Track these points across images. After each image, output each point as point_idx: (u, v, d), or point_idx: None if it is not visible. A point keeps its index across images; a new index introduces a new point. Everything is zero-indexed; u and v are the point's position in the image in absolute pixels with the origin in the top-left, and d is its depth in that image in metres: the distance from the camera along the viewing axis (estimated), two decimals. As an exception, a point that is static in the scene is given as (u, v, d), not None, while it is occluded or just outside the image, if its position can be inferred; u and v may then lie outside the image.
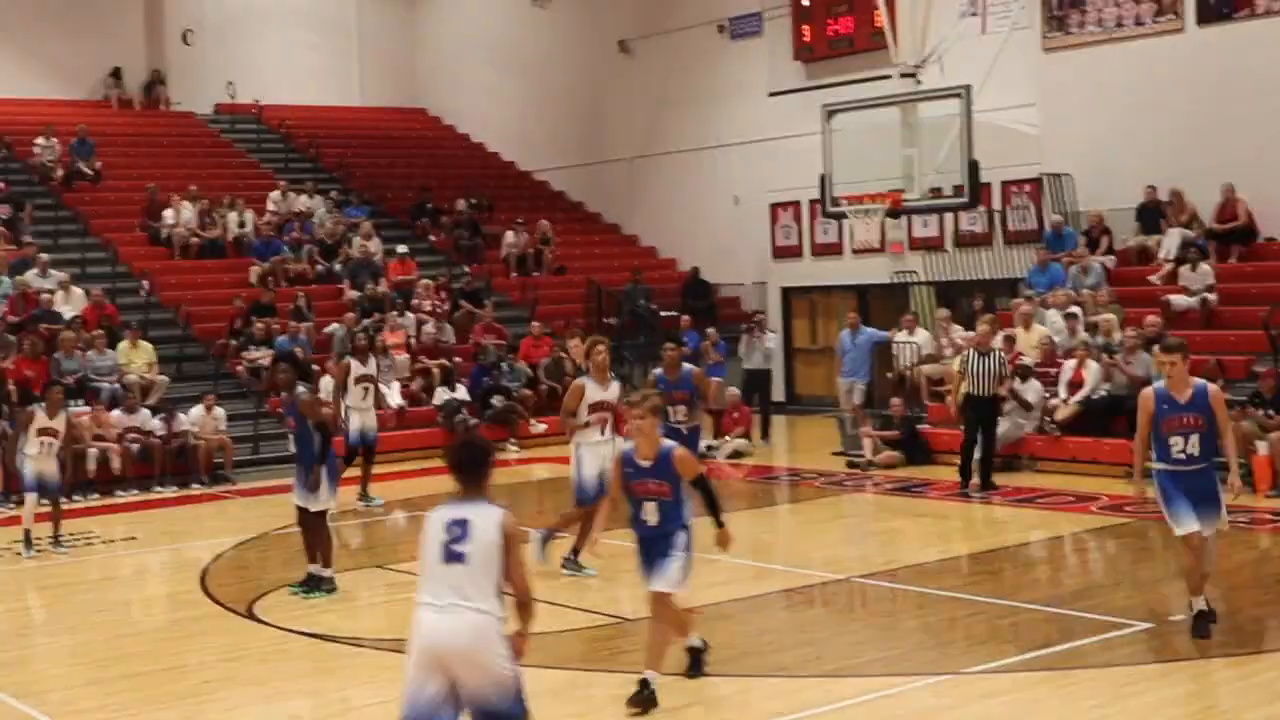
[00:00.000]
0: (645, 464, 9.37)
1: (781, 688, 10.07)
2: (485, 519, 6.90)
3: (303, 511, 13.69)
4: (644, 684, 9.32)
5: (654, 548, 9.45)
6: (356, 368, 19.07)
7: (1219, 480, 10.80)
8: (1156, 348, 18.76)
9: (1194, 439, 10.59)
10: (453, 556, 6.84)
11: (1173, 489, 10.65)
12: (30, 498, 16.67)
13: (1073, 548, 15.35)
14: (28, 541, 16.49)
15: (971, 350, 18.63)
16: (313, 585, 13.59)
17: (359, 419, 19.02)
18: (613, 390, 13.73)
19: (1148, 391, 10.96)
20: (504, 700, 6.77)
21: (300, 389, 13.71)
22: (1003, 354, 19.14)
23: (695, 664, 10.07)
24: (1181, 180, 22.82)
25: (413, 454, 23.25)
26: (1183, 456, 10.59)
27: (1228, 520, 11.20)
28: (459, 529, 6.88)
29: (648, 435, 9.37)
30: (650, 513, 9.41)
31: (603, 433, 13.50)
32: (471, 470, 7.08)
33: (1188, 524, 10.56)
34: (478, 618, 6.73)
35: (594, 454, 13.40)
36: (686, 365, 15.36)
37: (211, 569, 15.23)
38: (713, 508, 9.56)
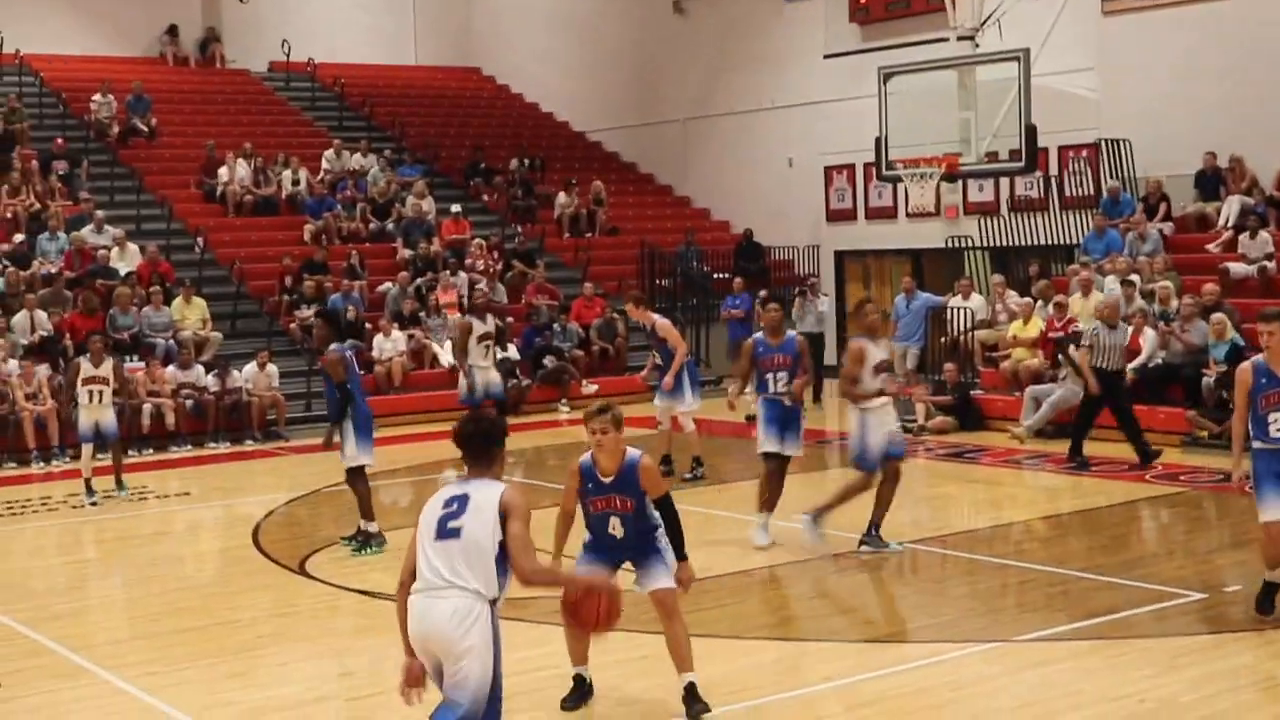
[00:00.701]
0: (606, 479, 8.48)
1: (832, 653, 10.05)
2: (485, 494, 6.60)
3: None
4: (689, 688, 8.57)
5: (627, 555, 8.66)
6: (477, 326, 19.09)
7: None
8: (1215, 312, 18.71)
9: None
10: (447, 533, 6.52)
11: (1266, 470, 9.98)
12: (86, 448, 17.12)
13: (1126, 516, 15.24)
14: (89, 489, 16.91)
15: (1099, 323, 17.78)
16: (363, 541, 13.68)
17: (481, 376, 19.09)
18: (885, 348, 13.32)
19: (1245, 365, 10.22)
20: (471, 702, 6.43)
21: (332, 347, 13.67)
22: (1129, 326, 18.52)
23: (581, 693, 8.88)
24: (1242, 146, 22.56)
25: (465, 413, 23.30)
26: None
27: None
28: (456, 504, 6.59)
29: (609, 450, 8.40)
30: (615, 527, 8.56)
31: (883, 394, 12.85)
32: (479, 448, 6.77)
33: (1272, 511, 9.96)
34: (461, 600, 6.43)
35: (879, 418, 12.76)
36: (790, 331, 14.16)
37: (264, 525, 15.33)
38: (675, 535, 8.53)
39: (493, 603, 6.50)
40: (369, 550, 13.58)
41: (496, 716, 6.56)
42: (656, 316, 17.49)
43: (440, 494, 6.69)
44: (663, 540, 8.57)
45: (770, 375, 13.41)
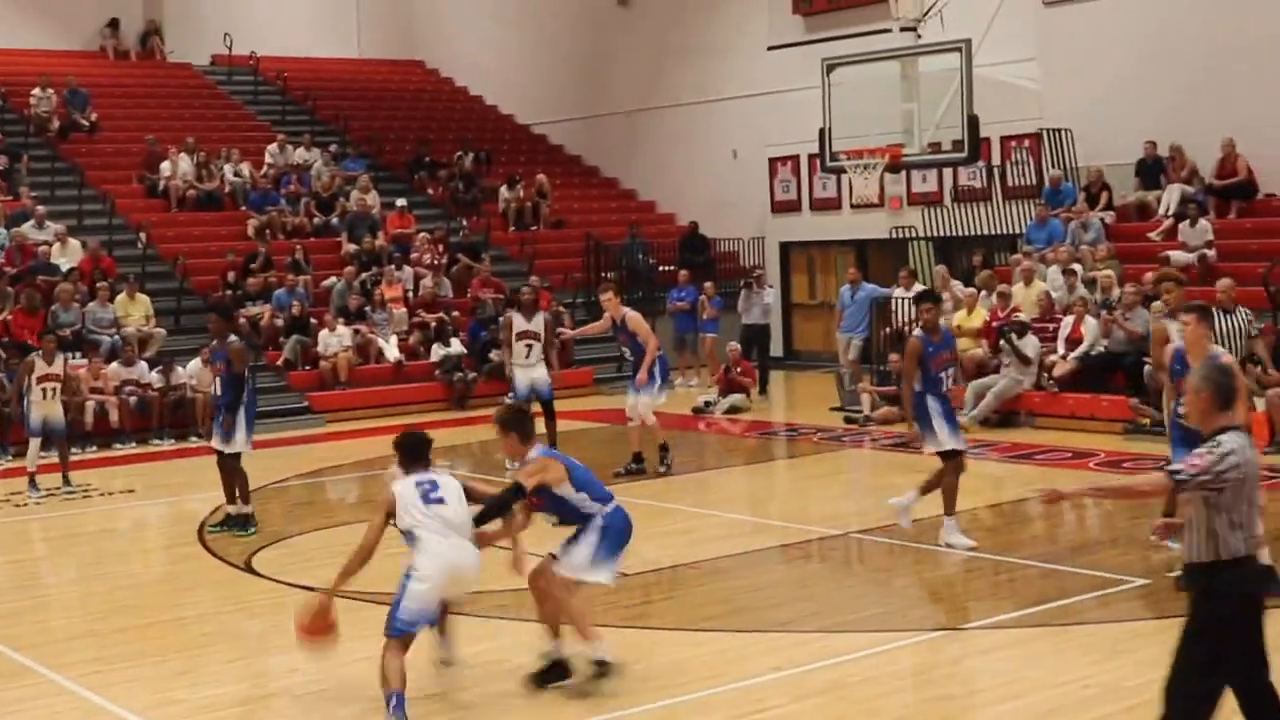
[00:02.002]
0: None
1: (779, 643, 10.08)
2: (446, 478, 8.83)
3: (220, 454, 14.46)
4: (600, 664, 8.83)
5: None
6: (519, 323, 18.21)
7: None
8: (1157, 300, 18.82)
9: None
10: (435, 500, 8.57)
11: (1180, 438, 10.41)
12: (35, 443, 17.26)
13: (1070, 504, 15.32)
14: (33, 484, 17.02)
15: (1216, 309, 15.75)
16: (238, 523, 14.38)
17: (524, 375, 18.16)
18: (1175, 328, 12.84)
19: (1171, 349, 10.64)
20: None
21: (232, 338, 14.50)
22: (1248, 310, 16.73)
23: (559, 675, 9.05)
24: (1182, 135, 22.75)
25: (411, 408, 23.25)
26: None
27: None
28: (430, 485, 8.65)
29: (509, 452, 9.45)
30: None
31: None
32: (419, 454, 8.89)
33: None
34: (473, 548, 8.60)
35: None
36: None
37: (209, 522, 15.23)
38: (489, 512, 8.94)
39: None
40: (249, 530, 14.28)
41: None
42: (627, 310, 17.18)
43: (406, 481, 8.70)
44: (585, 534, 8.94)
45: (943, 373, 12.97)
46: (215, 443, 14.49)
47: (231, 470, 14.44)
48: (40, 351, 17.57)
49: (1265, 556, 10.17)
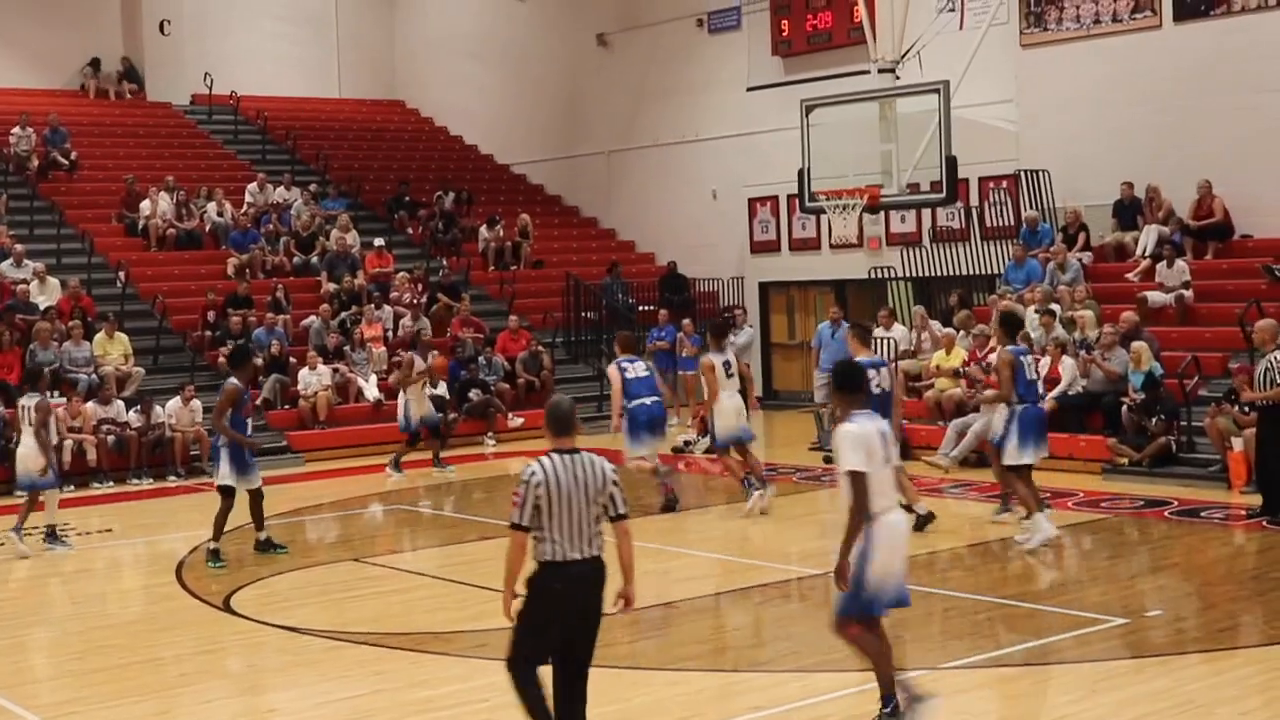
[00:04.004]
0: None
1: (760, 683, 10.09)
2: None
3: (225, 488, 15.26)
4: None
5: None
6: (418, 364, 21.10)
7: None
8: (1135, 340, 18.94)
9: None
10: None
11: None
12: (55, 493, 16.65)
13: (1052, 545, 15.36)
14: (52, 534, 16.40)
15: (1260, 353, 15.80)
16: (276, 547, 15.41)
17: (418, 406, 21.22)
18: None
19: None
20: None
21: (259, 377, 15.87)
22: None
23: None
24: (1158, 176, 22.88)
25: (390, 447, 23.21)
26: None
27: None
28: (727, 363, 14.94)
29: None
30: None
31: None
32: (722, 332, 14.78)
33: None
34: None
35: None
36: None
37: (187, 562, 15.20)
38: None
39: None
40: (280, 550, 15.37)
41: None
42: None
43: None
44: None
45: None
46: (249, 479, 15.29)
47: (258, 500, 15.46)
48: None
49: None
